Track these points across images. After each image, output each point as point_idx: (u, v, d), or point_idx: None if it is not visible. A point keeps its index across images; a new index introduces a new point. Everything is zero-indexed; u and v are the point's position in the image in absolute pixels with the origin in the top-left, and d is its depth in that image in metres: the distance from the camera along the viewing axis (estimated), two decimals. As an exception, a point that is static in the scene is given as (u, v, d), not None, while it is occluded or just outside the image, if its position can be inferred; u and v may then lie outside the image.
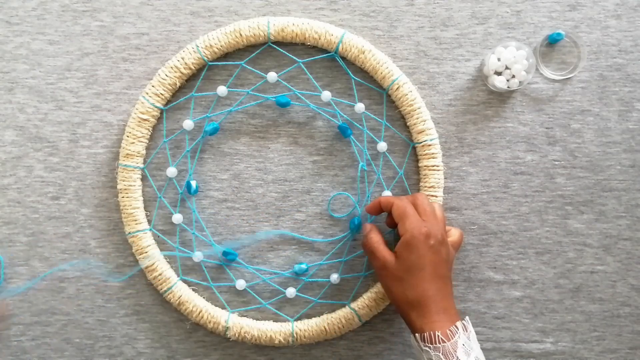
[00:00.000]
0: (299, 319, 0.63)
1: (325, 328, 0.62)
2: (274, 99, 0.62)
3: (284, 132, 0.63)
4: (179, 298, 0.62)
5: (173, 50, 0.62)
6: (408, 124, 0.62)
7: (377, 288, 0.63)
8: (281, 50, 0.62)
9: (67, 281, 0.63)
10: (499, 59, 0.61)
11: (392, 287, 0.55)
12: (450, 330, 0.51)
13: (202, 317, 0.62)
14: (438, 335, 0.51)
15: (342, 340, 0.64)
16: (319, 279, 0.64)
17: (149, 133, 0.62)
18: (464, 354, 0.50)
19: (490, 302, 0.64)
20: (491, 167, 0.63)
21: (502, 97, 0.63)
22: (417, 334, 0.53)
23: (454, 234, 0.59)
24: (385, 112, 0.63)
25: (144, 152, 0.62)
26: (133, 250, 0.62)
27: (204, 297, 0.63)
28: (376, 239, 0.57)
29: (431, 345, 0.51)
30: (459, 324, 0.52)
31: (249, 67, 0.62)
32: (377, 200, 0.58)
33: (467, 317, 0.54)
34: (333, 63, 0.63)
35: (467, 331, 0.52)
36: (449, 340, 0.51)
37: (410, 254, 0.53)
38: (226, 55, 0.62)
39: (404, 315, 0.55)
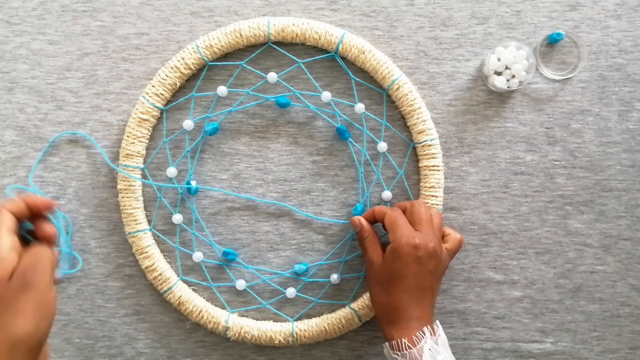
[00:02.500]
0: (299, 319, 0.63)
1: (325, 328, 0.62)
2: (274, 99, 0.62)
3: (284, 132, 0.63)
4: (179, 298, 0.62)
5: (173, 50, 0.62)
6: (408, 124, 0.62)
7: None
8: (281, 51, 0.62)
9: (67, 281, 0.63)
10: (499, 59, 0.61)
11: (373, 288, 0.56)
12: (416, 335, 0.51)
13: (202, 317, 0.62)
14: (404, 342, 0.51)
15: (342, 340, 0.64)
16: (319, 279, 0.64)
17: (149, 133, 0.62)
18: (430, 358, 0.50)
19: (490, 302, 0.64)
20: (491, 167, 0.63)
21: (502, 97, 0.63)
22: (387, 343, 0.53)
23: (452, 239, 0.59)
24: (385, 112, 0.63)
25: (144, 152, 0.62)
26: (133, 250, 0.62)
27: (204, 297, 0.63)
28: (369, 236, 0.57)
29: (399, 353, 0.51)
30: (425, 329, 0.52)
31: (249, 67, 0.62)
32: (371, 210, 0.59)
33: (437, 321, 0.54)
34: (333, 63, 0.63)
35: (435, 335, 0.52)
36: (415, 346, 0.51)
37: (394, 262, 0.53)
38: (226, 55, 0.62)
39: (378, 321, 0.56)
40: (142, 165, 0.62)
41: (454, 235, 0.59)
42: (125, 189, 0.61)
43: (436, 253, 0.54)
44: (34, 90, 0.63)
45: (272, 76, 0.61)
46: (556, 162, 0.63)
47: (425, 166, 0.62)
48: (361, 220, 0.59)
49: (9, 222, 0.42)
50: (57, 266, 0.42)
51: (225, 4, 0.62)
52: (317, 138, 0.63)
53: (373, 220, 0.59)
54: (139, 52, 0.63)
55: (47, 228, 0.45)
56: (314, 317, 0.63)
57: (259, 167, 0.63)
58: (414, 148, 0.63)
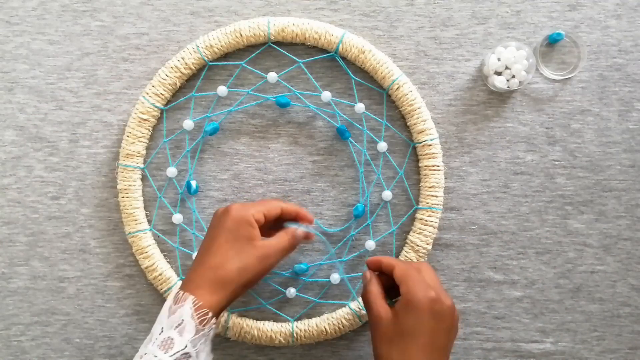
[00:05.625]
0: (299, 319, 0.63)
1: (325, 328, 0.62)
2: (274, 99, 0.62)
3: (284, 132, 0.63)
4: (179, 298, 0.62)
5: (173, 50, 0.62)
6: (408, 124, 0.62)
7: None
8: (281, 51, 0.62)
9: (67, 281, 0.63)
10: (499, 59, 0.61)
11: (380, 347, 0.49)
12: None
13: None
14: None
15: (342, 340, 0.64)
16: (319, 279, 0.64)
17: (149, 133, 0.62)
18: None
19: (490, 302, 0.64)
20: (491, 167, 0.63)
21: (502, 97, 0.63)
22: None
23: None
24: (386, 112, 0.63)
25: (144, 152, 0.62)
26: (133, 250, 0.62)
27: (204, 297, 0.63)
28: (375, 290, 0.52)
29: None
30: None
31: (249, 67, 0.62)
32: (377, 259, 0.54)
33: None
34: (333, 63, 0.63)
35: None
36: None
37: (409, 316, 0.48)
38: (226, 55, 0.62)
39: None
40: (142, 165, 0.62)
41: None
42: (125, 189, 0.61)
43: (453, 310, 0.49)
44: (34, 90, 0.63)
45: (272, 76, 0.61)
46: (556, 162, 0.63)
47: (425, 166, 0.62)
48: (372, 274, 0.53)
49: (269, 210, 0.53)
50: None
51: (225, 4, 0.62)
52: (317, 138, 0.63)
53: (379, 269, 0.54)
54: (139, 52, 0.63)
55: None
56: (314, 317, 0.63)
57: (259, 167, 0.63)
58: (414, 148, 0.63)
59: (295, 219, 0.56)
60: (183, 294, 0.48)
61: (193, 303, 0.47)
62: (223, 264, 0.50)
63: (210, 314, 0.48)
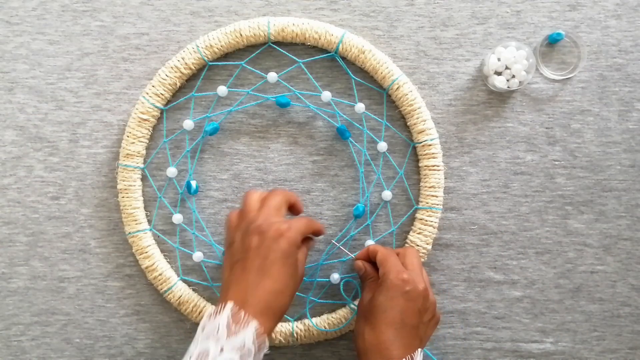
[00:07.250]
0: (299, 319, 0.63)
1: (325, 328, 0.62)
2: (274, 99, 0.62)
3: (284, 132, 0.63)
4: (179, 298, 0.62)
5: (173, 50, 0.62)
6: (408, 124, 0.62)
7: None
8: (281, 50, 0.62)
9: (67, 281, 0.63)
10: (499, 59, 0.61)
11: (357, 323, 0.54)
12: None
13: (202, 317, 0.62)
14: None
15: (342, 340, 0.64)
16: (319, 279, 0.64)
17: (149, 133, 0.62)
18: None
19: (490, 302, 0.64)
20: (491, 167, 0.63)
21: (502, 97, 0.63)
22: None
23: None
24: (386, 112, 0.63)
25: (144, 152, 0.62)
26: (133, 250, 0.62)
27: (204, 297, 0.63)
28: (372, 277, 0.56)
29: None
30: None
31: (249, 67, 0.62)
32: (365, 249, 0.58)
33: (418, 350, 0.51)
34: (333, 63, 0.63)
35: None
36: None
37: (382, 294, 0.52)
38: (226, 55, 0.62)
39: None
40: (142, 165, 0.62)
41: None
42: (125, 189, 0.61)
43: (426, 294, 0.53)
44: (34, 90, 0.63)
45: (272, 76, 0.61)
46: (556, 162, 0.63)
47: (425, 166, 0.62)
48: (365, 264, 0.57)
49: (307, 232, 0.53)
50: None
51: (225, 4, 0.62)
52: (317, 138, 0.63)
53: (368, 259, 0.58)
54: (139, 52, 0.63)
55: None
56: (314, 317, 0.63)
57: (259, 167, 0.63)
58: (414, 148, 0.63)
59: (317, 234, 0.56)
60: (246, 316, 0.47)
61: (255, 329, 0.46)
62: (283, 290, 0.49)
63: (266, 342, 0.47)
